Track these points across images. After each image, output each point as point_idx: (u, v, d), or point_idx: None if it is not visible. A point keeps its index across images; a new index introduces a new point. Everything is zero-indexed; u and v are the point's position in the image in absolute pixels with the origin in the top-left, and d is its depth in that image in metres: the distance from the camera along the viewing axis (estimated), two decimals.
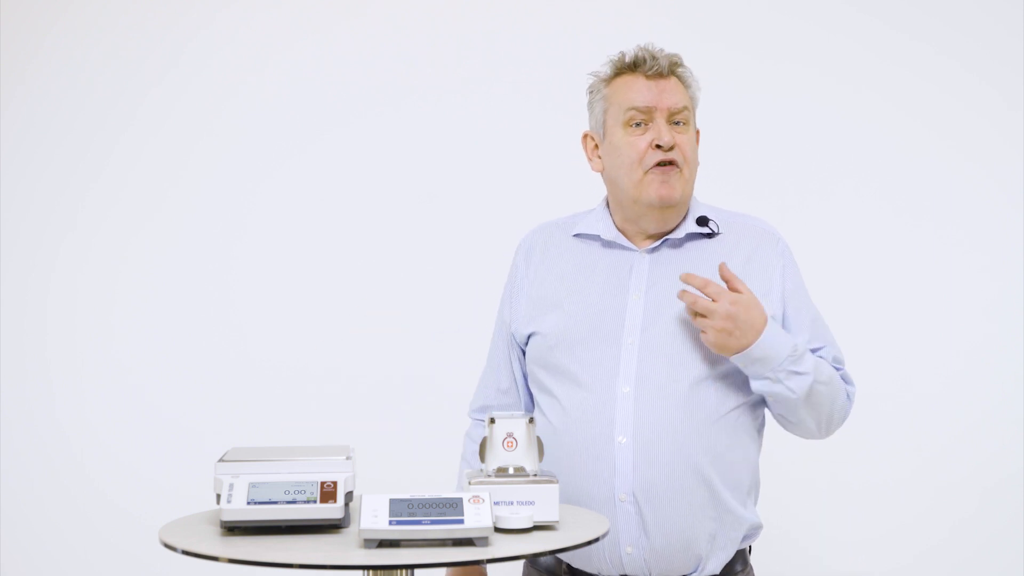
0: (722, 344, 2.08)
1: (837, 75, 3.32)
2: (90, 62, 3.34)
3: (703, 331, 2.08)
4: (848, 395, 2.25)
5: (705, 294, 2.07)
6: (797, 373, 2.10)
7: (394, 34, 3.34)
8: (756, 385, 2.13)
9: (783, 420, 2.22)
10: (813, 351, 2.20)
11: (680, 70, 2.22)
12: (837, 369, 2.23)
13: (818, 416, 2.18)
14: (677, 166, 2.17)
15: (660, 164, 2.16)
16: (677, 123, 2.19)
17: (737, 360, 2.10)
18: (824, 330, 2.24)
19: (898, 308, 3.30)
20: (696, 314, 2.09)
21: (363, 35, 3.35)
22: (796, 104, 3.32)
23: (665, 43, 2.24)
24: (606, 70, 2.24)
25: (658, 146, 2.16)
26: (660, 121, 2.17)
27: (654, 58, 2.18)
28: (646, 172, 2.17)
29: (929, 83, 3.31)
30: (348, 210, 3.33)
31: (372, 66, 3.34)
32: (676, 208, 2.20)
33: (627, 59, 2.21)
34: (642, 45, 2.22)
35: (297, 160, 3.34)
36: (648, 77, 2.18)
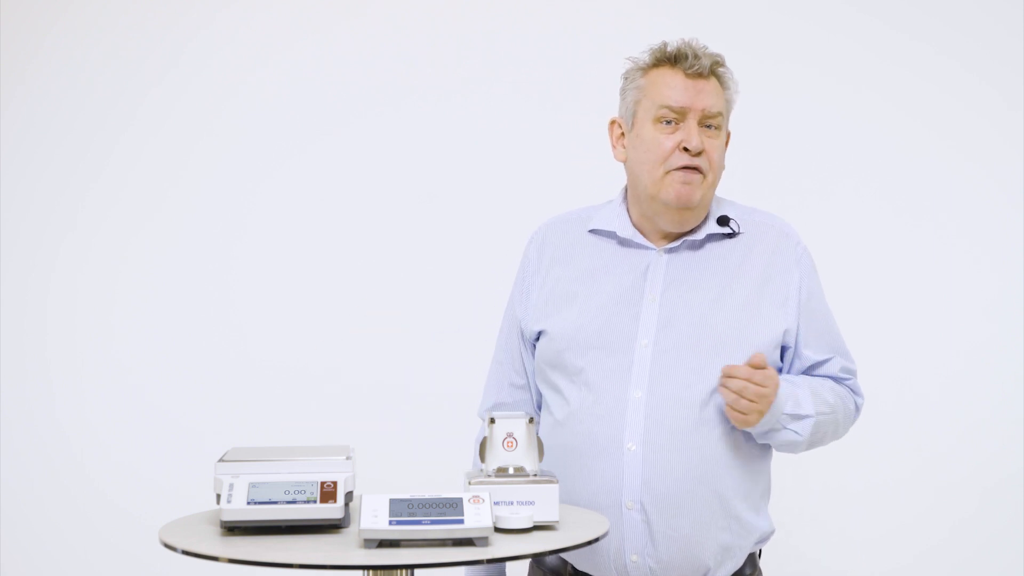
0: (752, 421, 2.04)
1: (837, 75, 3.32)
2: (90, 62, 3.34)
3: (740, 412, 2.03)
4: (856, 406, 2.22)
5: (753, 382, 2.01)
6: (799, 417, 2.09)
7: (394, 34, 3.34)
8: (762, 438, 2.11)
9: None
10: (820, 363, 2.18)
11: (721, 70, 2.16)
12: (845, 379, 2.20)
13: (822, 442, 2.17)
14: (701, 172, 2.12)
15: (684, 168, 2.11)
16: (708, 126, 2.13)
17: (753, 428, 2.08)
18: (835, 340, 2.20)
19: (898, 308, 3.30)
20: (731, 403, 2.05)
21: (363, 35, 3.34)
22: (796, 104, 3.32)
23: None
24: (645, 58, 2.18)
25: (685, 149, 2.11)
26: (692, 123, 2.12)
27: (696, 56, 2.12)
28: (668, 172, 2.12)
29: (929, 83, 3.31)
30: (348, 210, 3.33)
31: (372, 66, 3.34)
32: (694, 211, 2.15)
33: (668, 51, 2.15)
34: (687, 40, 2.16)
35: (297, 160, 3.34)
36: (688, 76, 2.12)
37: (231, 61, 3.35)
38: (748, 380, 2.01)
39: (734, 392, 2.01)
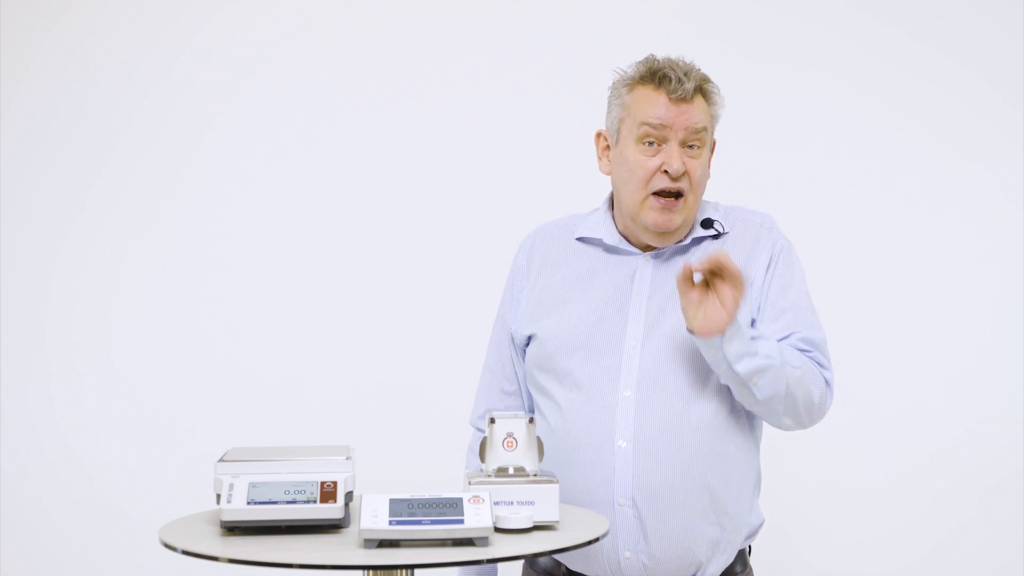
0: (722, 318, 1.99)
1: (837, 75, 3.31)
2: (90, 63, 3.34)
3: (723, 298, 1.99)
4: (826, 380, 2.16)
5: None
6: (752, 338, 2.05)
7: (394, 34, 3.34)
8: (736, 367, 2.04)
9: (759, 411, 2.13)
10: (780, 340, 2.14)
11: (707, 87, 2.16)
12: (807, 351, 2.15)
13: (782, 394, 2.08)
14: (682, 195, 2.14)
15: (665, 193, 2.13)
16: (691, 146, 2.14)
17: (711, 341, 2.03)
18: (799, 317, 2.16)
19: (898, 308, 3.29)
20: (719, 290, 2.00)
21: (363, 35, 3.34)
22: (796, 104, 3.32)
23: (664, 43, 2.24)
24: (631, 72, 2.18)
25: (666, 171, 2.12)
26: (673, 144, 2.13)
27: (680, 81, 2.11)
28: (648, 196, 2.14)
29: (929, 83, 3.31)
30: (348, 210, 3.33)
31: (372, 65, 3.34)
32: (675, 233, 2.18)
33: (655, 71, 2.14)
34: (673, 59, 2.16)
35: (297, 160, 3.34)
36: (672, 99, 2.12)
37: (231, 61, 3.35)
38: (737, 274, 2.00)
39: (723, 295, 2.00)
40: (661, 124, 2.12)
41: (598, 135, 2.25)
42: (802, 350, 2.15)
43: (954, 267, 3.30)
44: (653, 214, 2.14)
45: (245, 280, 3.33)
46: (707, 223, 2.21)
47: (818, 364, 2.17)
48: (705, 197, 2.27)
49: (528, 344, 2.26)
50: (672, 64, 2.15)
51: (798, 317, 2.17)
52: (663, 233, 2.17)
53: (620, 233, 2.23)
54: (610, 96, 2.22)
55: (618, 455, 2.10)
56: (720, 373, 2.08)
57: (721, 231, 2.21)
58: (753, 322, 2.17)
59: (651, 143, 2.14)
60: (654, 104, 2.13)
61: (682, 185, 2.13)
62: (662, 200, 2.13)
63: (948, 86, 3.31)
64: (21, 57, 3.34)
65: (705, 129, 2.15)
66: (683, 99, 2.12)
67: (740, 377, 2.05)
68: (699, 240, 2.22)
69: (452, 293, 3.27)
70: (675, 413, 2.10)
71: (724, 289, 2.01)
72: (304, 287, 3.32)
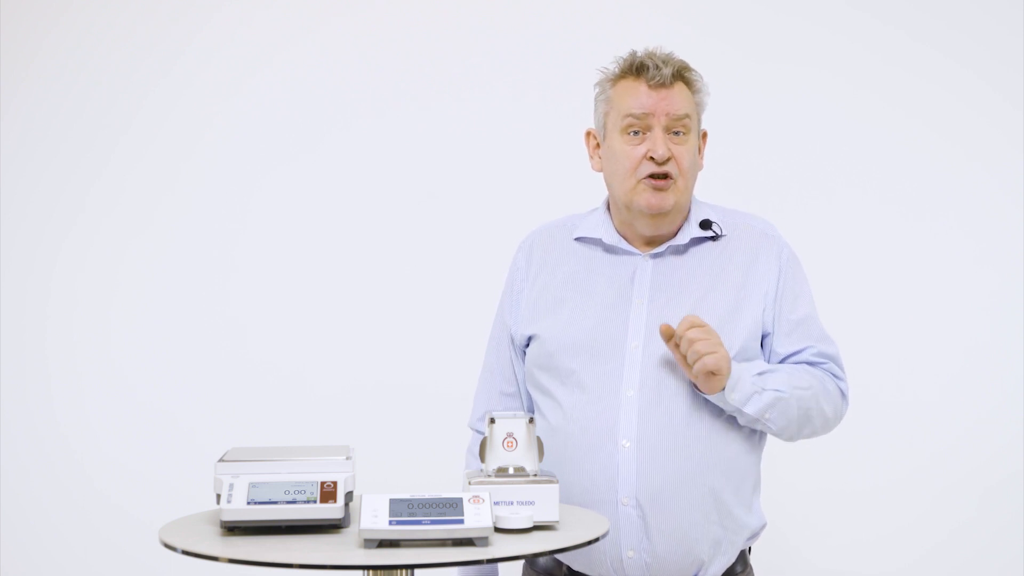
0: (719, 368, 2.05)
1: (837, 75, 3.31)
2: (90, 63, 3.34)
3: (706, 363, 2.04)
4: (841, 390, 2.23)
5: (697, 326, 2.06)
6: (766, 390, 2.11)
7: (394, 34, 3.34)
8: (744, 410, 2.11)
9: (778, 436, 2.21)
10: (794, 353, 2.20)
11: (688, 75, 2.19)
12: (821, 363, 2.21)
13: (804, 423, 2.17)
14: (671, 178, 2.16)
15: (654, 176, 2.15)
16: (676, 132, 2.17)
17: (716, 396, 2.09)
18: (811, 329, 2.21)
19: (898, 308, 3.29)
20: (688, 360, 2.06)
21: (363, 35, 3.34)
22: (796, 104, 3.32)
23: (665, 43, 2.23)
24: (613, 69, 2.22)
25: (652, 158, 2.15)
26: (657, 131, 2.15)
27: (658, 68, 2.15)
28: (639, 181, 2.16)
29: (929, 83, 3.31)
30: (347, 210, 3.33)
31: (372, 65, 3.34)
32: (669, 216, 2.19)
33: (633, 63, 2.19)
34: (650, 50, 2.20)
35: (297, 160, 3.34)
36: (651, 86, 2.16)
37: (231, 61, 3.35)
38: (695, 326, 2.05)
39: (692, 346, 2.04)
40: (643, 112, 2.15)
41: (587, 134, 2.28)
42: (817, 362, 2.20)
43: (954, 267, 3.30)
44: (645, 195, 2.16)
45: (245, 280, 3.33)
46: (705, 224, 2.22)
47: (833, 376, 2.23)
48: (704, 199, 2.29)
49: (528, 345, 2.26)
50: (650, 54, 2.19)
51: (810, 330, 2.22)
52: (657, 218, 2.18)
53: (618, 233, 2.24)
54: (596, 95, 2.26)
55: (621, 455, 2.10)
56: (738, 417, 2.13)
57: (719, 233, 2.22)
58: (765, 337, 2.20)
59: (635, 132, 2.17)
60: (635, 94, 2.17)
61: (669, 169, 2.15)
62: (652, 181, 2.15)
63: (948, 86, 3.31)
64: (21, 57, 3.34)
65: (688, 115, 2.18)
66: (662, 85, 2.16)
67: (752, 417, 2.11)
68: (698, 241, 2.23)
69: (452, 293, 3.27)
70: (678, 413, 2.11)
71: (695, 345, 2.05)
72: (304, 287, 3.32)
